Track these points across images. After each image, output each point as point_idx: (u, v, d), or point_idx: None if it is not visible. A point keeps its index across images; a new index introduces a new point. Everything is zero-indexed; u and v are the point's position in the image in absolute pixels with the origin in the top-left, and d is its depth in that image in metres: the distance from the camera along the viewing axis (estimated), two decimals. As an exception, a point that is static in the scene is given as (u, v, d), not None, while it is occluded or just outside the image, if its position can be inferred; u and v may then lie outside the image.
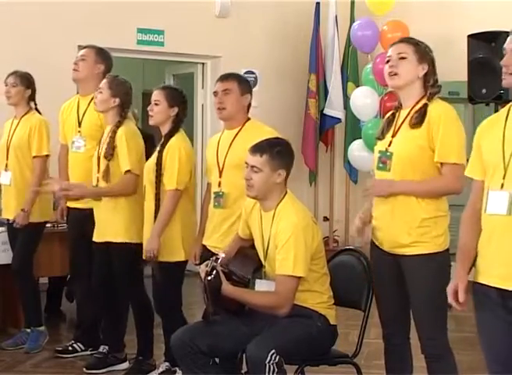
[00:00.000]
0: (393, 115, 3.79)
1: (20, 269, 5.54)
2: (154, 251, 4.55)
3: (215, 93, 4.45)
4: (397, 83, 3.72)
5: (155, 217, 4.60)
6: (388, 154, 3.69)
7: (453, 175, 3.60)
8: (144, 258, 4.62)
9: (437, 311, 3.67)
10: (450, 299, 3.14)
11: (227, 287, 3.72)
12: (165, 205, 4.59)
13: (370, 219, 3.84)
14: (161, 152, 4.62)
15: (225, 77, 4.49)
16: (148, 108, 4.72)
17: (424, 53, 3.70)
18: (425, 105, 3.65)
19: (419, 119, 3.62)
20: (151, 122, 4.72)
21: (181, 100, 4.74)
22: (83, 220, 5.17)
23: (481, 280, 3.01)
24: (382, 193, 3.68)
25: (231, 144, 4.38)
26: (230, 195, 4.34)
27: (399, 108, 3.78)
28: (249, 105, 4.47)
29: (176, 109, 4.68)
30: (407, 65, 3.68)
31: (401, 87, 3.73)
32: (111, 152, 4.84)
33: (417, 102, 3.69)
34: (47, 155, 5.58)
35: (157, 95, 4.69)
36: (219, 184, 4.40)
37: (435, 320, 3.70)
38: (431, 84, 3.70)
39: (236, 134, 4.40)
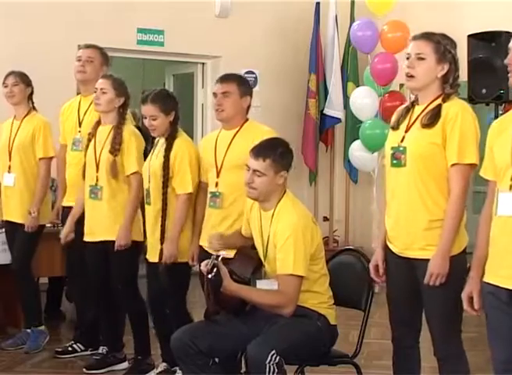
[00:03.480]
0: (409, 108, 3.68)
1: (20, 269, 5.54)
2: (174, 256, 4.55)
3: (215, 94, 4.42)
4: (414, 86, 3.61)
5: (162, 220, 4.58)
6: (401, 149, 3.60)
7: (464, 177, 3.52)
8: (162, 261, 4.58)
9: (451, 314, 3.58)
10: (465, 306, 3.12)
11: (230, 285, 3.70)
12: (180, 209, 4.57)
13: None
14: (167, 156, 4.58)
15: (225, 79, 4.45)
16: (147, 123, 4.62)
17: (444, 52, 3.56)
18: (439, 106, 3.55)
19: (431, 120, 3.52)
20: (156, 134, 4.66)
21: (175, 103, 4.70)
22: (80, 219, 5.17)
23: (490, 280, 3.01)
24: (444, 271, 3.52)
25: (230, 145, 4.37)
26: (228, 196, 4.33)
27: (415, 102, 3.68)
28: (248, 107, 4.45)
29: (173, 114, 4.65)
30: (425, 66, 3.55)
31: (418, 89, 3.63)
32: (118, 148, 4.84)
33: (432, 101, 3.58)
34: (52, 157, 5.58)
35: (151, 111, 4.58)
36: (216, 185, 4.39)
37: (449, 323, 3.62)
38: (450, 83, 3.58)
39: (235, 135, 4.39)
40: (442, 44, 3.57)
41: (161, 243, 4.59)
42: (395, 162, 3.64)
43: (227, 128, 4.45)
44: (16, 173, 5.55)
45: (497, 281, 2.97)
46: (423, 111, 3.60)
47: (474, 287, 3.10)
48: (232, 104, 4.36)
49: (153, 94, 4.63)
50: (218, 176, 4.39)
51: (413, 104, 3.70)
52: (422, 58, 3.56)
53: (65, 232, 5.16)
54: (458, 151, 3.49)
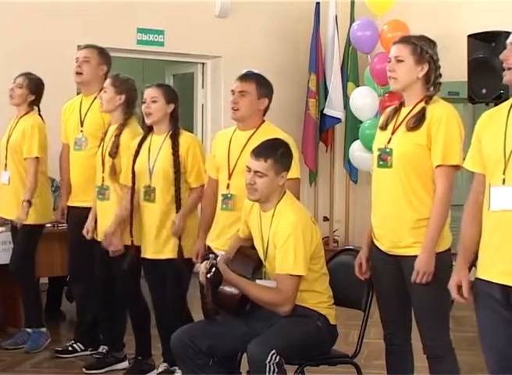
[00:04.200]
0: (396, 109, 3.77)
1: (18, 269, 5.54)
2: (180, 233, 4.62)
3: (232, 92, 4.34)
4: (396, 87, 3.73)
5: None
6: (388, 150, 3.69)
7: (448, 178, 3.61)
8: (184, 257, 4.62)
9: (439, 311, 3.67)
10: (454, 294, 3.13)
11: (230, 276, 3.72)
12: (195, 200, 4.66)
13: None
14: (176, 153, 4.59)
15: (245, 78, 4.37)
16: (144, 107, 4.64)
17: (421, 53, 3.67)
18: (423, 109, 3.64)
19: (416, 123, 3.62)
20: (150, 120, 4.65)
21: (176, 96, 4.73)
22: (84, 220, 5.17)
23: (483, 276, 3.01)
24: (430, 269, 3.57)
25: (244, 147, 4.25)
26: (240, 198, 4.23)
27: (401, 104, 3.77)
28: (266, 109, 4.37)
29: (172, 106, 4.65)
30: (404, 68, 3.67)
31: (402, 90, 3.74)
32: (115, 150, 4.84)
33: (417, 104, 3.67)
34: (37, 157, 5.51)
35: (153, 92, 4.64)
36: (228, 186, 4.32)
37: (437, 321, 3.69)
38: (431, 83, 3.68)
39: (250, 137, 4.28)
40: (418, 45, 3.69)
41: (179, 238, 4.62)
42: (381, 163, 3.73)
43: (242, 129, 4.35)
44: (10, 171, 5.57)
45: (490, 277, 2.97)
46: (408, 113, 3.69)
47: (462, 274, 3.10)
48: (248, 104, 4.28)
49: (159, 82, 4.77)
50: (229, 178, 4.31)
51: (400, 105, 3.78)
52: (401, 61, 3.68)
53: (89, 229, 5.10)
54: (443, 152, 3.59)
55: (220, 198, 4.37)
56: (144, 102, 4.66)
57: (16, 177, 5.56)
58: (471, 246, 3.11)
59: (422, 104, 3.67)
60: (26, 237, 5.52)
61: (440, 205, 3.59)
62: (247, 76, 4.40)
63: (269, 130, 4.29)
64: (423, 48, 3.68)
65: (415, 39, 3.72)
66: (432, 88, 3.70)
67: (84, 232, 5.10)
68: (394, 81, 3.71)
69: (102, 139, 5.01)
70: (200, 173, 4.65)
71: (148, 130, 4.75)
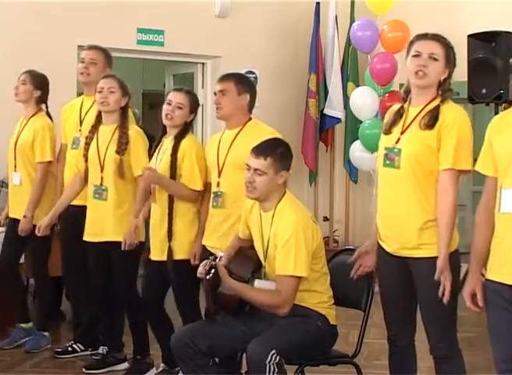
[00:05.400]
0: (400, 110, 3.71)
1: (38, 271, 5.54)
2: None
3: (215, 93, 4.46)
4: (423, 84, 3.61)
5: (169, 219, 4.58)
6: (396, 150, 3.62)
7: (456, 181, 3.55)
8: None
9: (447, 313, 3.61)
10: (468, 303, 3.13)
11: (229, 281, 3.72)
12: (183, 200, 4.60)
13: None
14: (175, 156, 4.58)
15: (223, 78, 4.49)
16: (169, 109, 4.61)
17: (451, 58, 3.62)
18: (438, 107, 3.58)
19: (432, 121, 3.55)
20: (170, 123, 4.63)
21: (198, 107, 4.80)
22: (77, 217, 5.15)
23: (494, 277, 3.02)
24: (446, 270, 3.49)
25: (231, 144, 4.37)
26: (229, 195, 4.32)
27: (405, 103, 3.71)
28: (251, 105, 4.43)
29: (192, 116, 4.71)
30: (436, 68, 3.59)
31: (424, 88, 3.63)
32: (124, 148, 4.83)
33: (429, 103, 3.61)
34: (50, 161, 5.52)
35: (181, 99, 4.63)
36: (218, 184, 4.39)
37: (444, 322, 3.66)
38: (446, 87, 3.63)
39: (237, 134, 4.39)
40: (452, 50, 3.63)
41: (169, 240, 4.58)
42: (388, 162, 3.68)
43: (230, 127, 4.44)
44: (20, 172, 5.54)
45: (500, 278, 2.97)
46: (420, 112, 3.62)
47: (477, 283, 3.10)
48: (229, 101, 4.37)
49: (188, 89, 4.78)
50: (219, 175, 4.39)
51: (403, 106, 3.71)
52: (436, 60, 3.59)
53: (48, 224, 5.12)
54: (454, 156, 3.52)
55: (211, 196, 4.42)
56: (169, 104, 4.62)
57: (27, 179, 5.53)
58: (482, 253, 3.10)
59: (436, 102, 3.60)
60: (41, 238, 5.47)
61: (452, 208, 3.51)
62: (226, 76, 4.51)
63: (256, 127, 4.38)
64: (453, 53, 3.64)
65: (448, 42, 3.64)
66: (441, 91, 3.62)
67: (41, 226, 5.12)
68: (423, 77, 3.58)
69: (90, 140, 4.95)
70: (193, 177, 4.57)
71: (163, 132, 4.74)
